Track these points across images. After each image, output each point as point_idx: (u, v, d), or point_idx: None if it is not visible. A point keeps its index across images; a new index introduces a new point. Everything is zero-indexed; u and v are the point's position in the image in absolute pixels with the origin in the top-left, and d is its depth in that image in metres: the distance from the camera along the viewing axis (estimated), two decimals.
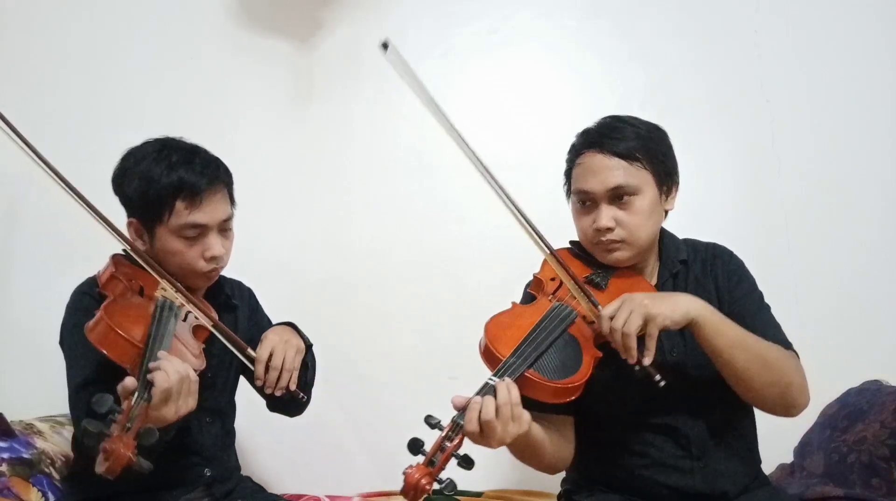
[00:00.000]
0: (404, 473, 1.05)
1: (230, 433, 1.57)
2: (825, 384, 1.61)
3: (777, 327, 1.39)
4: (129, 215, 1.40)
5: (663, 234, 1.47)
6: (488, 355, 1.24)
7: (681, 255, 1.43)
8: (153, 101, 2.16)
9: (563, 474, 1.55)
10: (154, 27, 2.20)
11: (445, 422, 1.11)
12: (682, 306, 1.21)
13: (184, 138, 1.44)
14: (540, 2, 2.20)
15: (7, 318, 2.09)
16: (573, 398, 1.21)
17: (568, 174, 1.45)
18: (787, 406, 1.29)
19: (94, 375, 1.28)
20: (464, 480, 1.95)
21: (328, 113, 2.19)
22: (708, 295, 1.38)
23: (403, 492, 1.05)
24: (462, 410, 1.11)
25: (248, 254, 2.00)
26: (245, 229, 2.03)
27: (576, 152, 1.41)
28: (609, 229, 1.33)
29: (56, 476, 1.52)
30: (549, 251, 1.29)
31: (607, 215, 1.32)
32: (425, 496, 1.05)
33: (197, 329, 1.34)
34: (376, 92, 2.19)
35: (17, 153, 2.12)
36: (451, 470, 1.09)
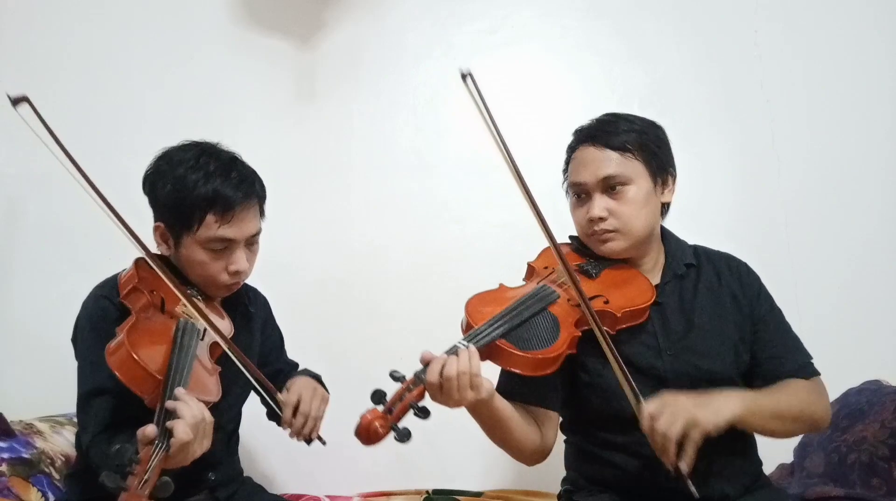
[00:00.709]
0: (361, 416, 1.09)
1: (235, 440, 1.57)
2: (825, 385, 1.61)
3: (800, 347, 1.43)
4: (157, 218, 1.38)
5: (668, 236, 1.48)
6: (466, 328, 1.27)
7: (687, 258, 1.44)
8: (154, 100, 2.16)
9: (563, 474, 1.55)
10: (156, 26, 2.20)
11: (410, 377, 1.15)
12: (725, 412, 1.21)
13: (220, 144, 1.42)
14: (540, 2, 2.20)
15: (8, 318, 2.09)
16: (547, 372, 1.23)
17: (565, 171, 1.48)
18: (813, 432, 1.43)
19: (105, 384, 1.25)
20: (462, 476, 1.97)
21: (329, 112, 2.19)
22: (723, 306, 1.41)
23: (357, 433, 1.09)
24: (426, 365, 1.16)
25: None
26: None
27: (572, 149, 1.45)
28: (602, 219, 1.36)
29: (56, 475, 1.52)
30: (547, 233, 1.30)
31: (600, 205, 1.36)
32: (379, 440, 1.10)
33: (213, 347, 1.33)
34: (377, 92, 2.19)
35: (20, 153, 2.13)
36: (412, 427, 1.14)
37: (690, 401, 1.20)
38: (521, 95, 2.18)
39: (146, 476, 1.01)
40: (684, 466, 1.18)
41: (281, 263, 2.10)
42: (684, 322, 1.39)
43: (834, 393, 1.71)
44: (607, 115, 1.45)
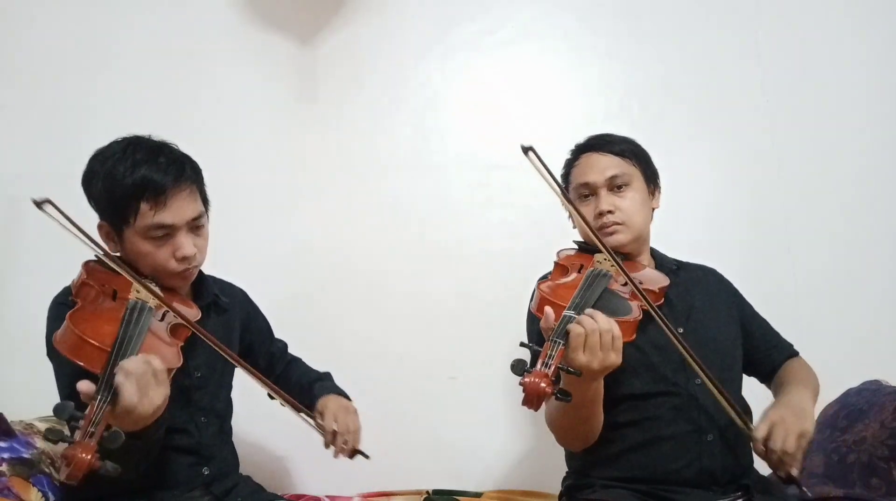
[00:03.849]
0: (522, 383, 1.11)
1: (227, 432, 1.56)
2: (825, 384, 1.62)
3: (780, 335, 1.61)
4: (100, 217, 1.37)
5: (652, 249, 1.61)
6: (554, 305, 1.28)
7: (672, 262, 1.59)
8: (156, 99, 2.15)
9: (562, 474, 1.55)
10: (159, 25, 2.20)
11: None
12: (811, 412, 1.37)
13: (152, 136, 1.39)
14: (540, 2, 2.20)
15: (7, 318, 2.09)
16: (631, 338, 1.29)
17: (565, 177, 1.59)
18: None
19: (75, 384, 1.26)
20: (462, 476, 1.97)
21: (330, 112, 2.19)
22: (715, 298, 1.55)
23: (526, 399, 1.11)
24: (551, 329, 1.19)
25: (249, 252, 2.01)
26: (246, 227, 2.04)
27: (573, 158, 1.59)
28: (610, 212, 1.48)
29: (56, 475, 1.52)
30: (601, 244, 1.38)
31: (607, 200, 1.49)
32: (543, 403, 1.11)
33: (175, 328, 1.31)
34: (378, 92, 2.19)
35: (20, 154, 2.13)
36: None
37: (791, 414, 1.32)
38: (520, 95, 2.18)
39: (91, 429, 1.01)
40: (796, 471, 1.30)
41: (281, 262, 2.10)
42: (686, 307, 1.50)
43: (834, 393, 1.72)
44: (600, 134, 1.60)
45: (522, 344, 1.21)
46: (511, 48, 2.19)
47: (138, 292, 1.26)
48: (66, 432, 1.03)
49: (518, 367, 1.13)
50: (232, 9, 2.21)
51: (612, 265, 1.38)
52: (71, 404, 1.03)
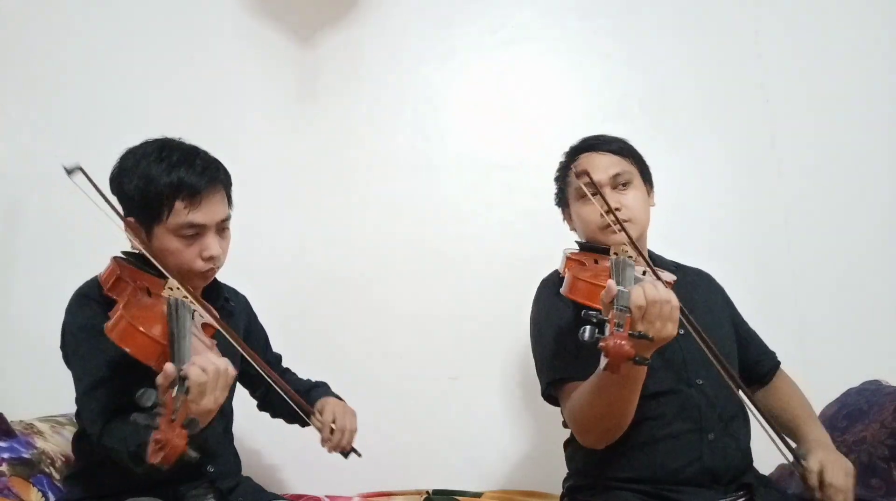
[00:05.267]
0: (604, 347, 1.09)
1: (229, 434, 1.57)
2: (825, 384, 1.62)
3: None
4: (127, 213, 1.40)
5: (649, 251, 1.59)
6: (581, 285, 1.30)
7: (670, 266, 1.59)
8: (157, 98, 2.16)
9: (562, 475, 1.55)
10: (159, 24, 2.20)
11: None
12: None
13: (183, 139, 1.44)
14: (540, 2, 2.20)
15: (8, 318, 2.09)
16: None
17: (563, 180, 1.58)
18: None
19: (105, 375, 1.28)
20: (462, 476, 1.97)
21: (330, 112, 2.19)
22: (713, 302, 1.57)
23: (610, 366, 1.10)
24: (612, 301, 1.17)
25: (250, 252, 2.00)
26: (247, 226, 2.03)
27: (570, 160, 1.57)
28: (617, 210, 1.47)
29: (56, 476, 1.52)
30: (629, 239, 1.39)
31: (612, 198, 1.48)
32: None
33: (204, 327, 1.34)
34: (378, 91, 2.19)
35: (20, 153, 2.14)
36: None
37: (833, 452, 1.37)
38: (520, 95, 2.18)
39: (173, 416, 1.06)
40: None
41: (282, 262, 2.10)
42: (688, 311, 1.45)
43: (834, 393, 1.72)
44: (592, 135, 1.59)
45: (583, 310, 1.17)
46: (511, 48, 2.19)
47: (171, 289, 1.29)
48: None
49: (591, 332, 1.12)
50: (232, 8, 2.21)
51: (630, 256, 1.35)
52: (154, 391, 1.07)
